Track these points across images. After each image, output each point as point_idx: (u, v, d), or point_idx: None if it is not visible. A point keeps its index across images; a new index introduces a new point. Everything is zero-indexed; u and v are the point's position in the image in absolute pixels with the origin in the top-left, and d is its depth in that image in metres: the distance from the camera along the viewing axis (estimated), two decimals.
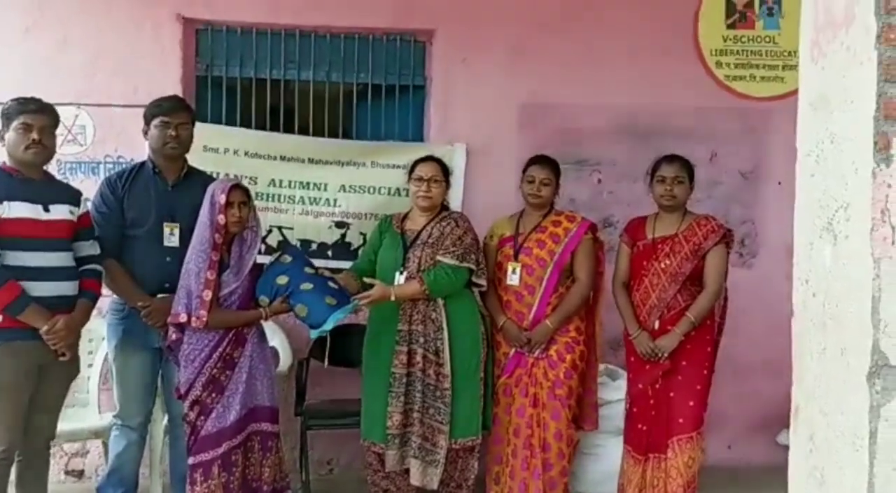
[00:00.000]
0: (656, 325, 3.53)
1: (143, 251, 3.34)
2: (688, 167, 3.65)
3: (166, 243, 3.32)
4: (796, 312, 2.20)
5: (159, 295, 3.29)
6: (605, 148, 4.58)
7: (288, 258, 3.34)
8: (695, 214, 3.66)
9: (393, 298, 3.35)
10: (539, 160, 3.72)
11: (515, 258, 3.61)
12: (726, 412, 4.46)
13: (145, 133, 3.44)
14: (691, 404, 3.48)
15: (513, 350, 3.58)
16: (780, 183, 4.52)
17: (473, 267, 3.47)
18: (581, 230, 3.63)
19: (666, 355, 3.47)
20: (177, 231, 3.31)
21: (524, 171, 3.72)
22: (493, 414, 3.61)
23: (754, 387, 4.50)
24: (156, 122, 3.37)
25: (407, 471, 3.41)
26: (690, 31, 4.65)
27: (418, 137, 4.61)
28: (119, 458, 3.44)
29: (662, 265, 3.52)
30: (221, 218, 3.11)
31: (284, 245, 4.18)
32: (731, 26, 4.69)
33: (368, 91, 4.57)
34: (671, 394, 3.51)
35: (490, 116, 4.51)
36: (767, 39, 4.66)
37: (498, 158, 4.49)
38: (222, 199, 3.12)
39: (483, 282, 3.52)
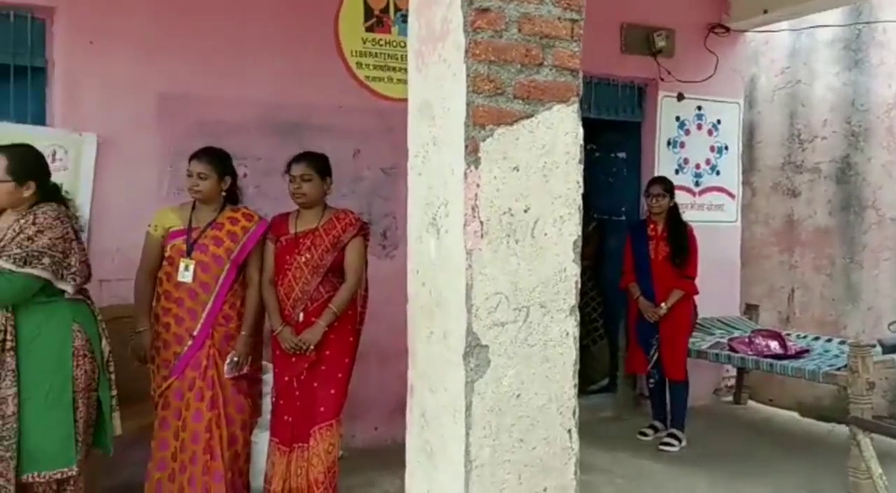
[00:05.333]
0: (301, 317, 3.62)
1: None
2: (317, 164, 3.71)
3: None
4: (410, 300, 2.40)
5: None
6: (250, 142, 4.55)
7: None
8: (335, 209, 3.77)
9: None
10: (197, 154, 3.56)
11: (189, 255, 3.46)
12: (372, 396, 4.71)
13: None
14: (332, 392, 3.62)
15: (185, 349, 3.44)
16: None
17: (42, 274, 2.94)
18: (260, 229, 3.62)
19: (311, 347, 3.57)
20: None
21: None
22: (161, 418, 3.45)
23: (397, 371, 4.79)
24: None
25: None
26: (331, 31, 4.80)
27: (40, 123, 4.16)
28: None
29: (304, 259, 3.61)
30: None
31: None
32: (369, 29, 4.93)
33: None
34: (315, 384, 3.63)
35: (124, 106, 4.22)
36: (402, 44, 4.96)
37: (134, 150, 4.23)
38: None
39: (68, 287, 3.03)
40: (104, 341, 3.20)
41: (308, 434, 3.59)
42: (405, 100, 2.44)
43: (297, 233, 3.67)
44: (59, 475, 3.03)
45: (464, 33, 2.07)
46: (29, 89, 4.12)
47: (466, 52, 2.07)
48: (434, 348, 2.22)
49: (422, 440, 2.27)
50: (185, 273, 3.46)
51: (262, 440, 3.84)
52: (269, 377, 3.91)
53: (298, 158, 3.72)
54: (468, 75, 2.07)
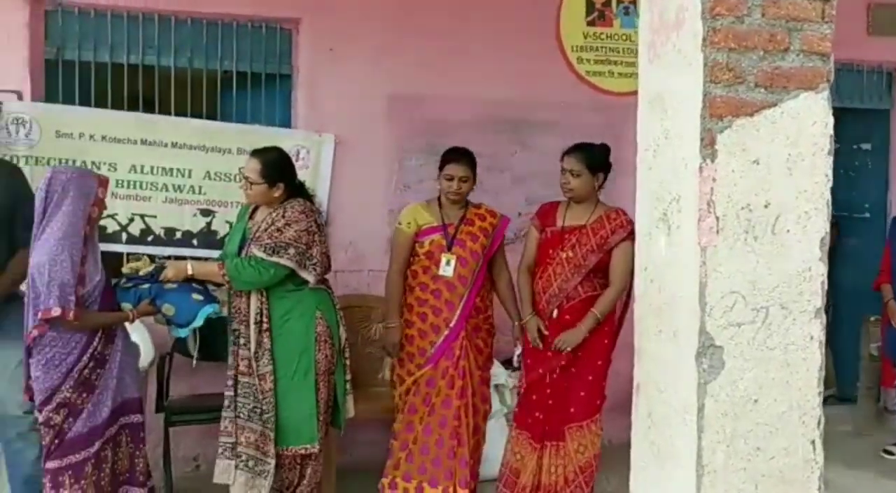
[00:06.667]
0: (555, 314, 3.52)
1: None
2: (587, 159, 3.55)
3: None
4: (637, 297, 2.34)
5: None
6: (472, 140, 4.60)
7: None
8: (607, 207, 3.59)
9: (190, 271, 3.22)
10: (456, 157, 3.66)
11: (449, 250, 3.60)
12: None
13: None
14: (582, 394, 3.49)
15: (441, 339, 3.57)
16: None
17: (287, 263, 3.21)
18: (504, 225, 3.73)
19: (569, 349, 3.47)
20: None
21: (441, 167, 3.68)
22: (410, 404, 3.59)
23: (614, 370, 4.70)
24: None
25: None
26: (552, 27, 4.81)
27: (286, 125, 4.54)
28: None
29: (566, 255, 3.49)
30: (95, 211, 3.01)
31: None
32: (591, 24, 4.88)
33: (233, 79, 4.46)
34: (565, 385, 3.52)
35: (358, 107, 4.50)
36: (624, 37, 4.87)
37: (366, 149, 4.50)
38: (101, 193, 3.02)
39: (310, 277, 3.27)
40: (341, 328, 3.44)
41: (562, 432, 3.52)
42: (627, 94, 2.40)
43: (563, 227, 3.55)
44: (303, 451, 3.31)
45: (702, 21, 1.99)
46: (277, 94, 4.52)
47: (704, 40, 1.99)
48: (663, 347, 2.16)
49: (648, 440, 2.22)
50: (447, 267, 3.56)
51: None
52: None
53: (570, 151, 3.60)
54: (705, 65, 1.99)
